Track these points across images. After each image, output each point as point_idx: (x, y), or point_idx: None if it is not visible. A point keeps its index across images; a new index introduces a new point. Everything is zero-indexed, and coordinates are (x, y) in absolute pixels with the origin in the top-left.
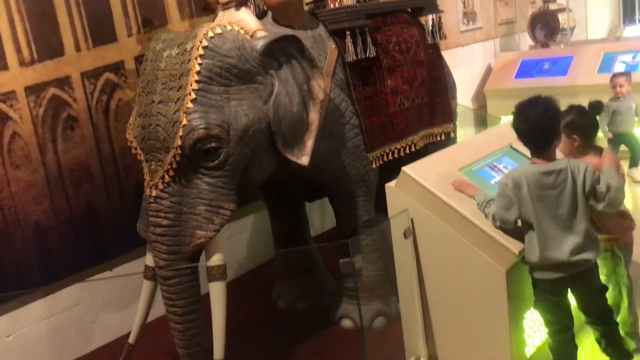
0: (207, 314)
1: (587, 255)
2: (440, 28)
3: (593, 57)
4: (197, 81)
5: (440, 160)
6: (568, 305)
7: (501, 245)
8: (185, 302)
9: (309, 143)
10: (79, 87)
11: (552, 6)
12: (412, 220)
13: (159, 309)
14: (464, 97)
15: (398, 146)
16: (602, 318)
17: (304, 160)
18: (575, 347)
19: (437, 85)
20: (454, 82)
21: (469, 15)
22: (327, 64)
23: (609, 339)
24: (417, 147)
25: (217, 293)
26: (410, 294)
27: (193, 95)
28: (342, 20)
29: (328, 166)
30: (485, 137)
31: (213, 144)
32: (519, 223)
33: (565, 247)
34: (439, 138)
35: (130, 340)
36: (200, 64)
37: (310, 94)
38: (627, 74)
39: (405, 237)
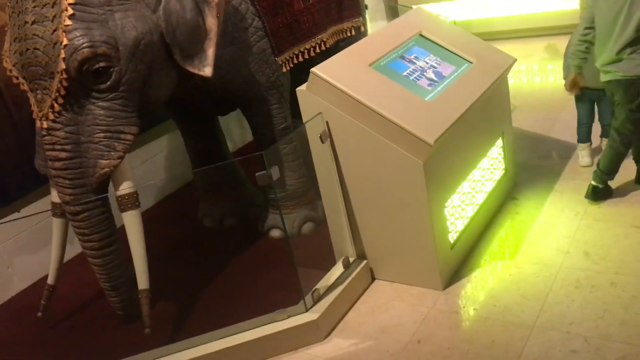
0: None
1: None
2: None
3: None
4: None
5: (349, 58)
6: None
7: (416, 137)
8: (100, 236)
9: (210, 52)
10: None
11: None
12: (327, 122)
13: (77, 245)
14: None
15: (307, 46)
16: None
17: (207, 71)
18: None
19: None
20: None
21: None
22: None
23: None
24: (328, 45)
25: (131, 222)
26: (333, 197)
27: (70, 11)
28: None
29: (235, 75)
30: (393, 28)
31: (102, 64)
32: None
33: None
34: (349, 34)
35: (50, 281)
36: None
37: None
38: None
39: (322, 141)
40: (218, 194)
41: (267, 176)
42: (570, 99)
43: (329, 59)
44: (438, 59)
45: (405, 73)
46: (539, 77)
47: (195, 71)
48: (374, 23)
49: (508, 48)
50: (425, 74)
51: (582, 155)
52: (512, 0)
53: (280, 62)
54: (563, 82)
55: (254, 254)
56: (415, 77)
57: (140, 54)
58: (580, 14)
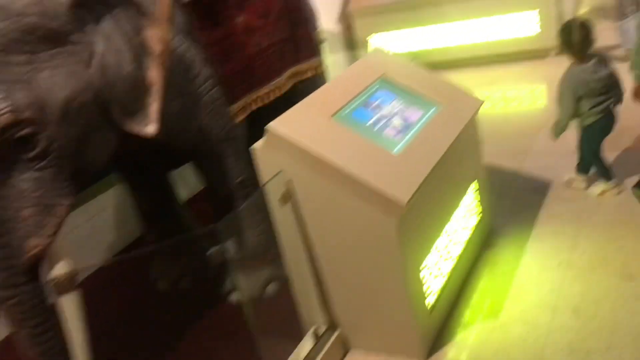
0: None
1: None
2: None
3: None
4: None
5: (308, 109)
6: None
7: (388, 197)
8: (35, 322)
9: (154, 107)
10: None
11: None
12: (288, 182)
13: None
14: (328, 21)
15: (263, 92)
16: None
17: (151, 129)
18: None
19: (297, 16)
20: (314, 12)
21: None
22: (161, 8)
23: None
24: (285, 90)
25: (69, 308)
26: (299, 261)
27: None
28: None
29: (184, 129)
30: (354, 72)
31: (27, 130)
32: None
33: None
34: (308, 75)
35: None
36: None
37: (145, 47)
38: None
39: (284, 202)
40: (172, 253)
41: (220, 254)
42: (540, 128)
43: (286, 112)
44: (404, 104)
45: (370, 123)
46: (502, 104)
47: (138, 130)
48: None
49: (468, 76)
50: (391, 122)
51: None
52: (470, 28)
53: (234, 112)
54: (529, 109)
55: (212, 321)
56: (380, 127)
57: (72, 117)
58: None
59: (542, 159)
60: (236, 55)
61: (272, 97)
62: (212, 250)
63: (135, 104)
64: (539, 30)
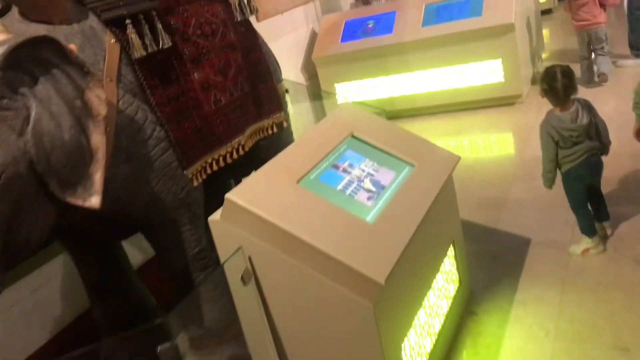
0: None
1: None
2: (249, 0)
3: (415, 10)
4: None
5: (272, 174)
6: None
7: (364, 276)
8: None
9: (97, 176)
10: None
11: None
12: (249, 258)
13: None
14: (293, 69)
15: (222, 152)
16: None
17: (94, 201)
18: None
19: (258, 69)
20: (277, 63)
21: None
22: (106, 65)
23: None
24: (246, 149)
25: None
26: (261, 343)
27: None
28: (117, 6)
29: (133, 197)
30: (321, 131)
31: None
32: None
33: None
34: (270, 131)
35: None
36: None
37: (88, 110)
38: None
39: (245, 282)
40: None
41: (171, 350)
42: (512, 179)
43: (246, 179)
44: (375, 164)
45: (339, 187)
46: (470, 154)
47: (79, 203)
48: (296, 110)
49: (434, 125)
50: (362, 184)
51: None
52: (435, 76)
53: (191, 175)
54: (498, 158)
55: None
56: (352, 191)
57: (1, 191)
58: None
59: (519, 213)
60: (192, 114)
61: (233, 157)
62: (163, 346)
63: (76, 174)
64: (502, 79)
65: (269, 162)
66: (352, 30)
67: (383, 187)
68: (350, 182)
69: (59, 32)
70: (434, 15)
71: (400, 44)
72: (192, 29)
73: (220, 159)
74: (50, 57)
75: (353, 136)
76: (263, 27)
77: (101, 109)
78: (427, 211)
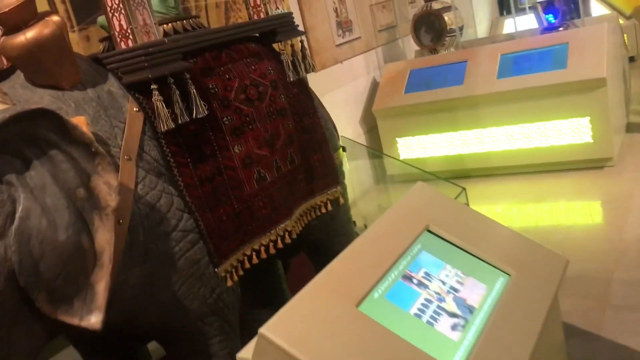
0: None
1: None
2: (305, 56)
3: (489, 60)
4: None
5: (322, 295)
6: None
7: None
8: None
9: (101, 287)
10: None
11: (435, 5)
12: None
13: None
14: (351, 122)
15: (265, 241)
16: None
17: (93, 320)
18: None
19: (312, 137)
20: (335, 127)
21: (344, 25)
22: (125, 140)
23: None
24: (294, 236)
25: None
26: None
27: None
28: (141, 67)
29: (150, 305)
30: (388, 225)
31: None
32: None
33: None
34: (323, 210)
35: None
36: None
37: (93, 201)
38: None
39: None
40: None
41: None
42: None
43: (287, 306)
44: (459, 272)
45: (414, 309)
46: (551, 221)
47: (75, 322)
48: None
49: (510, 187)
50: (444, 305)
51: None
52: (511, 133)
53: (224, 273)
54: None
55: None
56: (430, 317)
57: None
58: None
59: (627, 316)
60: (230, 196)
61: (277, 247)
62: None
63: (73, 285)
64: (590, 139)
65: (317, 276)
66: (418, 80)
67: (471, 310)
68: (427, 302)
69: (69, 99)
70: (511, 66)
71: (472, 96)
72: (234, 93)
73: (262, 249)
74: (47, 135)
75: (429, 231)
76: (319, 78)
77: (111, 200)
78: (533, 348)
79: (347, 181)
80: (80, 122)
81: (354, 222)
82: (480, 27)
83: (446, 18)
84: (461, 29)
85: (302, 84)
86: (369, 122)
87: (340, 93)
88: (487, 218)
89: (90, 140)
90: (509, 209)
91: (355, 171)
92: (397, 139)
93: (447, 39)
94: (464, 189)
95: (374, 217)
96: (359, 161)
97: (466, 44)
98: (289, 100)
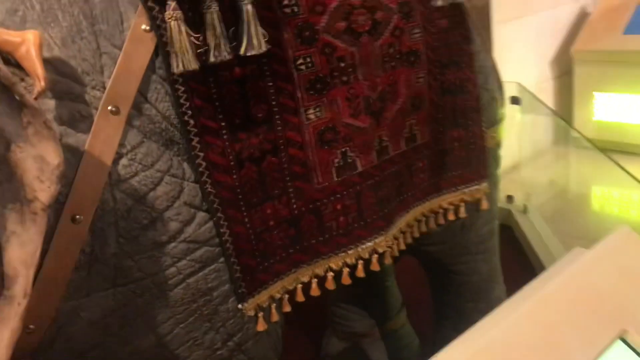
0: None
1: None
2: None
3: None
4: None
5: None
6: None
7: None
8: None
9: (3, 335)
10: None
11: None
12: None
13: None
14: (538, 62)
15: (336, 264)
16: None
17: None
18: None
19: (455, 102)
20: (500, 86)
21: None
22: (114, 77)
23: None
24: (389, 259)
25: None
26: None
27: None
28: None
29: (121, 353)
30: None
31: None
32: None
33: None
34: (451, 217)
35: None
36: None
37: (12, 188)
38: None
39: None
40: None
41: None
42: None
43: None
44: None
45: None
46: None
47: None
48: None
49: None
50: None
51: None
52: None
53: (253, 312)
54: None
55: None
56: None
57: None
58: None
59: None
60: (288, 190)
61: (357, 275)
62: None
63: None
64: None
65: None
66: None
67: None
68: None
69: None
70: None
71: None
72: (327, 17)
73: (330, 277)
74: None
75: (623, 340)
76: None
77: (41, 190)
78: None
79: (514, 139)
80: (27, 41)
81: (511, 197)
82: None
83: None
84: None
85: (457, 12)
86: (563, 67)
87: (528, 23)
88: None
89: (9, 81)
90: None
91: (528, 125)
92: (594, 92)
93: None
94: None
95: (539, 195)
96: (533, 114)
97: None
98: (428, 39)
